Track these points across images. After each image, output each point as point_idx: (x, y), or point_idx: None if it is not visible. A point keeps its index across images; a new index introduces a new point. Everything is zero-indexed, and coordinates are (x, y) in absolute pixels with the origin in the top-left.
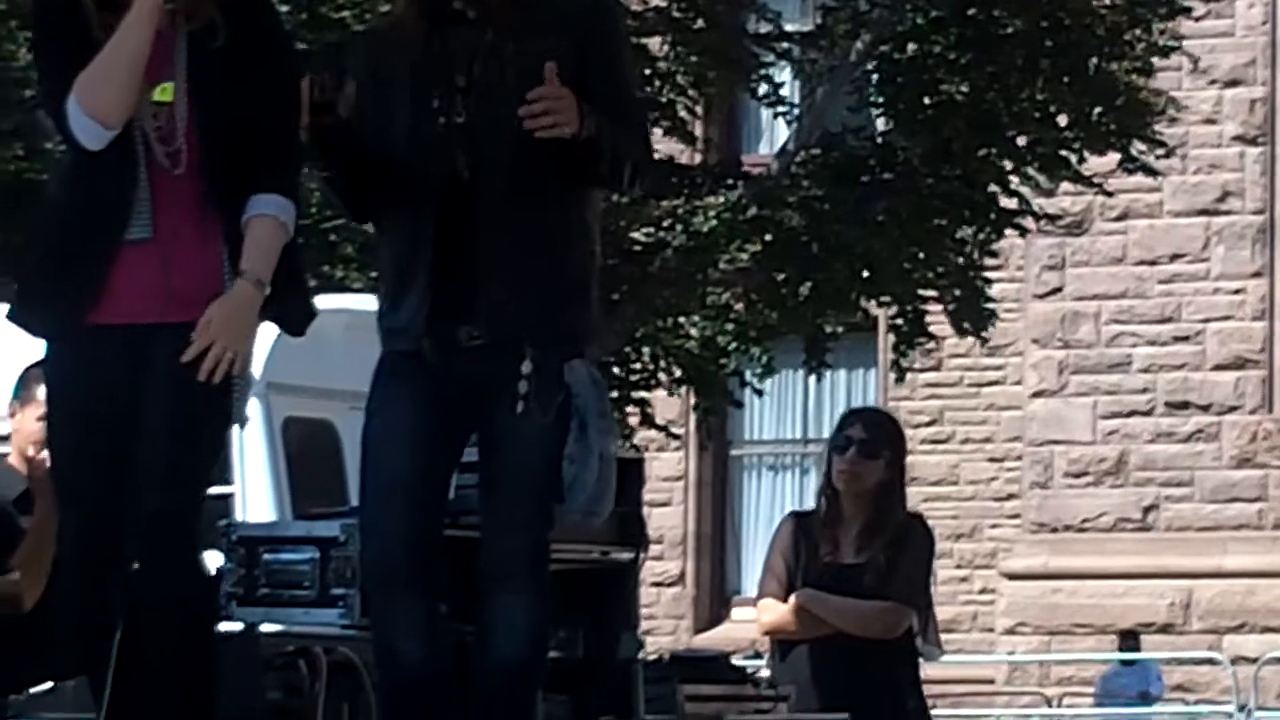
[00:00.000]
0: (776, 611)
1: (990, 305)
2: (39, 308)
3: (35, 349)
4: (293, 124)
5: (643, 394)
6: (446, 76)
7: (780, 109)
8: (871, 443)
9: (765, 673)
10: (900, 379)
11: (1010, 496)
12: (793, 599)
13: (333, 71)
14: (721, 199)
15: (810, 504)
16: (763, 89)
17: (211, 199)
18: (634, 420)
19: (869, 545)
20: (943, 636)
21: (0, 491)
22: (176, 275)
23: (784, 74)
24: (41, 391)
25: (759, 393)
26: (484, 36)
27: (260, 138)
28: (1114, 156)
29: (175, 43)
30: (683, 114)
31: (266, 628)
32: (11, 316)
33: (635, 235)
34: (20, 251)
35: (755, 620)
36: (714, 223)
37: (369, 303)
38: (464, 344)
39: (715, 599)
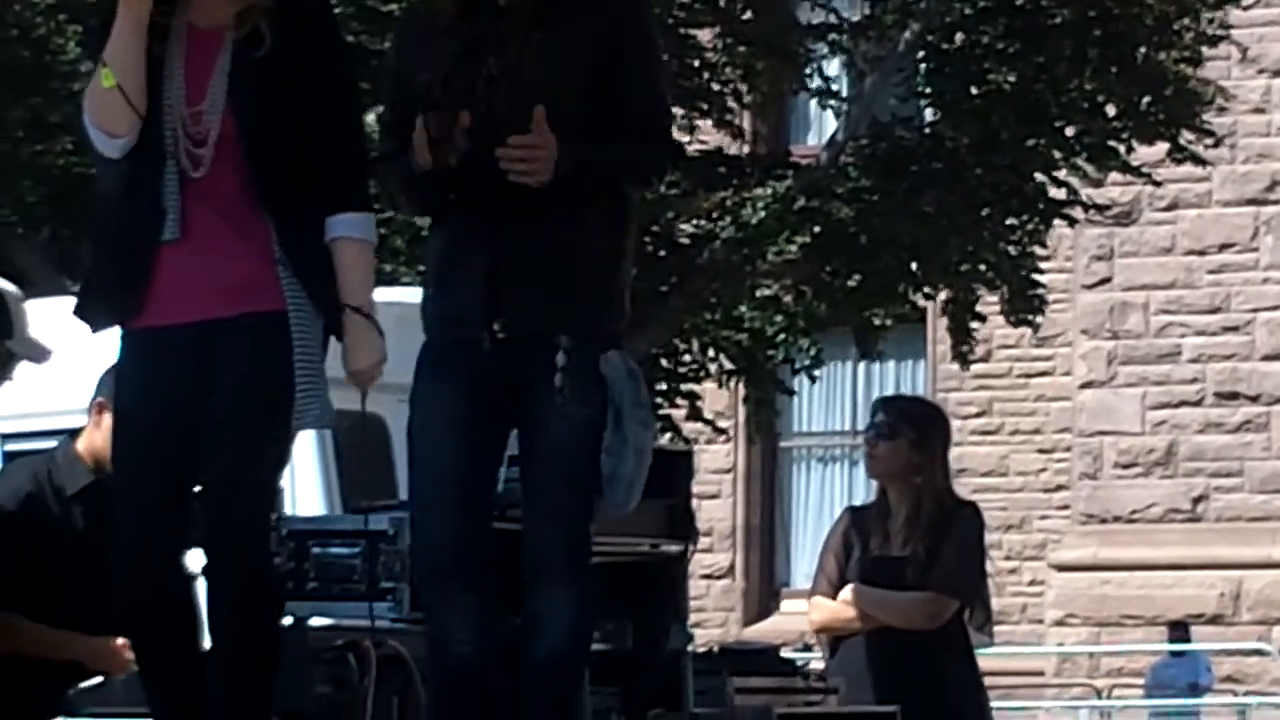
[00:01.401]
0: (825, 609)
1: (1040, 294)
2: (95, 304)
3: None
4: (353, 134)
5: (692, 386)
6: (481, 66)
7: (830, 102)
8: (890, 425)
9: (816, 665)
10: (965, 367)
11: (1059, 488)
12: (845, 593)
13: (443, 116)
14: (770, 190)
15: (861, 496)
16: (813, 83)
17: (259, 201)
18: (682, 413)
19: (912, 535)
20: (993, 628)
21: (58, 480)
22: (222, 272)
23: (833, 66)
24: None
25: (812, 378)
26: (516, 27)
27: (324, 154)
28: (1162, 146)
29: (221, 48)
30: (731, 105)
31: (316, 621)
32: (76, 312)
33: (683, 227)
34: (71, 244)
35: (806, 618)
36: (762, 214)
37: (418, 296)
38: (496, 338)
39: (765, 591)
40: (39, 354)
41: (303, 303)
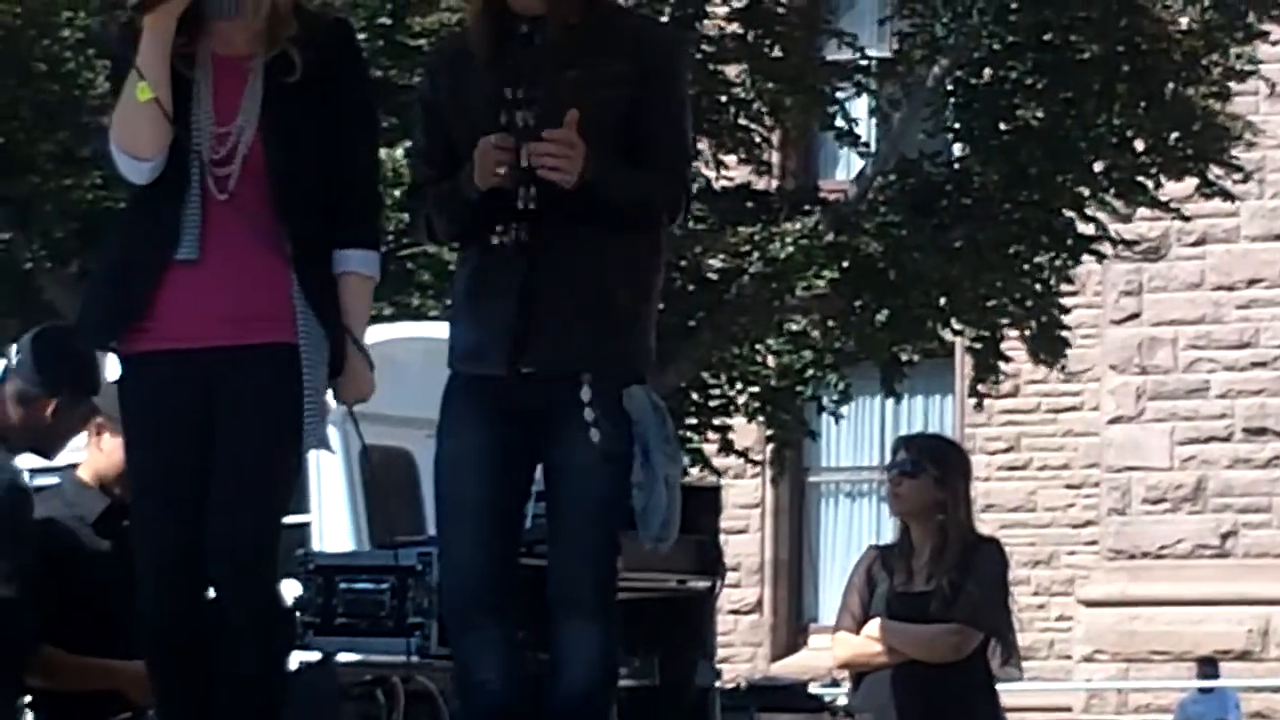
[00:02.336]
0: (849, 644)
1: (1065, 333)
2: (95, 321)
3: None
4: (371, 170)
5: (722, 420)
6: (511, 97)
7: (857, 148)
8: (914, 463)
9: (843, 700)
10: (979, 405)
11: (1088, 523)
12: (870, 627)
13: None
14: (799, 225)
15: (889, 531)
16: (838, 121)
17: (282, 228)
18: (713, 447)
19: (936, 571)
20: (1021, 664)
21: (76, 511)
22: (237, 299)
23: (859, 106)
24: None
25: (838, 417)
26: (548, 61)
27: (343, 187)
28: (1191, 181)
29: (250, 72)
30: (759, 141)
31: (344, 657)
32: (78, 328)
33: (712, 262)
34: None
35: (831, 653)
36: (791, 249)
37: (446, 330)
38: (521, 373)
39: (792, 626)
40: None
41: (314, 334)
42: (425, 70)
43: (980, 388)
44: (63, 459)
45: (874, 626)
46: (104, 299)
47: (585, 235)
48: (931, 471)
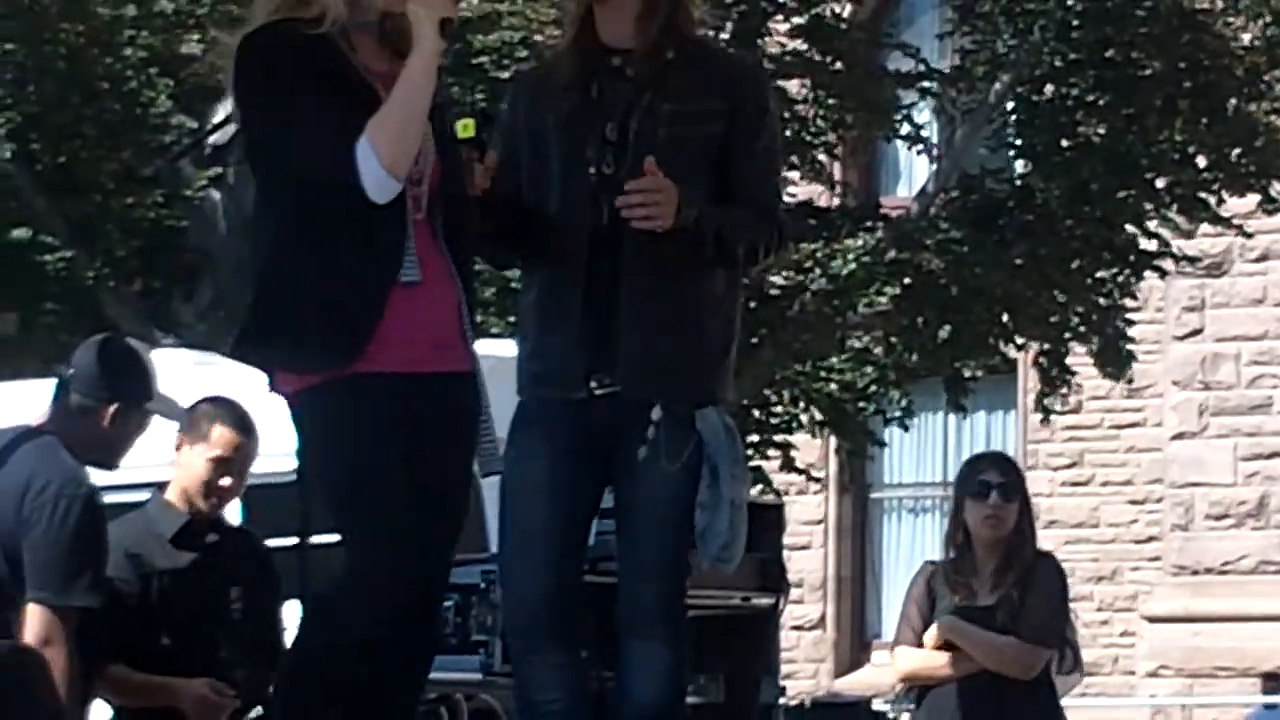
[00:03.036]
0: (913, 657)
1: (1131, 347)
2: (325, 341)
3: (210, 387)
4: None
5: (785, 437)
6: (599, 128)
7: (921, 149)
8: (1010, 486)
9: (906, 718)
10: (1045, 420)
11: (1151, 539)
12: (932, 631)
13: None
14: (860, 242)
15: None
16: (904, 129)
17: (447, 245)
18: (774, 464)
19: (1001, 585)
20: (1086, 680)
21: (156, 529)
22: (442, 324)
23: (923, 114)
24: (216, 432)
25: (905, 427)
26: (641, 95)
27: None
28: (1253, 197)
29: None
30: (821, 157)
31: None
32: (293, 354)
33: (774, 279)
34: (162, 297)
35: (891, 667)
36: (853, 266)
37: (509, 348)
38: (595, 392)
39: (856, 642)
40: (172, 410)
41: (477, 359)
42: (509, 96)
43: (1046, 402)
44: (149, 475)
45: (945, 623)
46: (329, 320)
47: (670, 262)
48: (1021, 494)
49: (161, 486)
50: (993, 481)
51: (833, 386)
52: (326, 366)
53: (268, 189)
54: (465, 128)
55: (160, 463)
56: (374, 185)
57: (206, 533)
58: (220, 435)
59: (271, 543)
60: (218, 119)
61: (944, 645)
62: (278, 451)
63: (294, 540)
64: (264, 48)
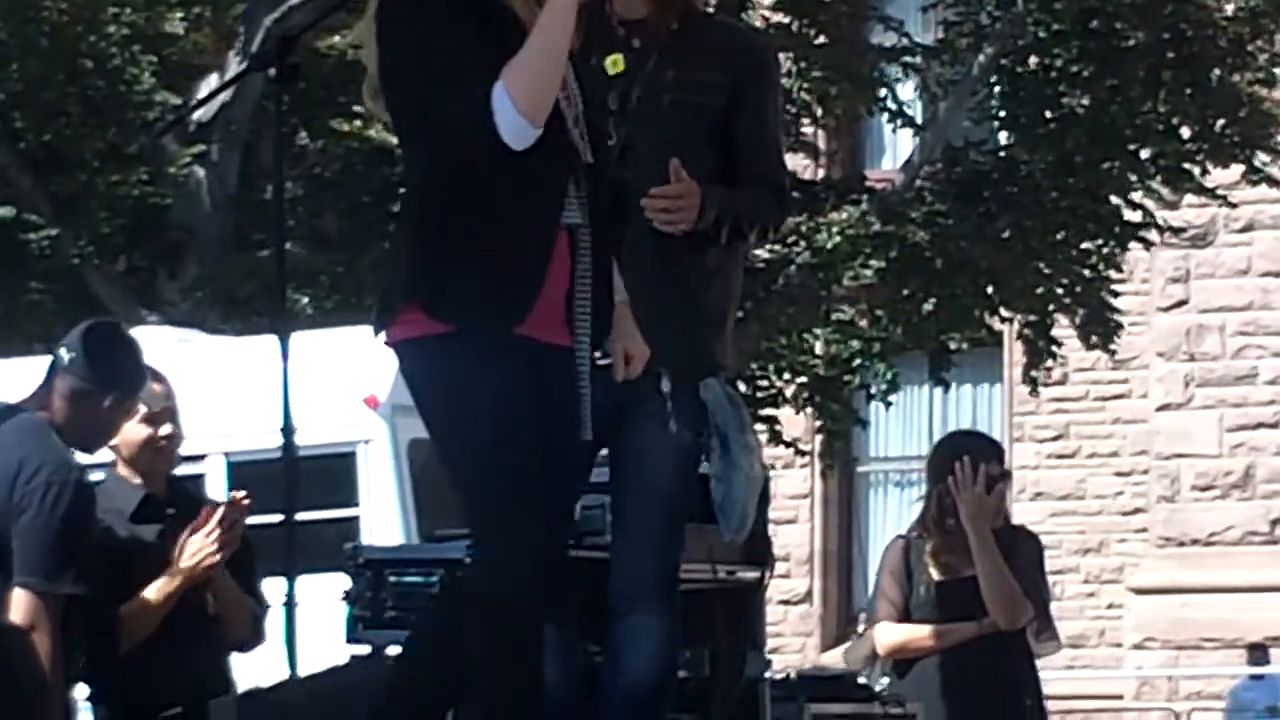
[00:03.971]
0: (897, 631)
1: (1117, 317)
2: (484, 303)
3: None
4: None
5: (770, 410)
6: (600, 97)
7: (904, 123)
8: (1007, 475)
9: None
10: (1034, 391)
11: (1137, 511)
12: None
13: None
14: (845, 215)
15: None
16: (889, 103)
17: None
18: (762, 438)
19: None
20: (1071, 652)
21: (115, 504)
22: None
23: (907, 89)
24: (146, 397)
25: (888, 403)
26: (645, 62)
27: None
28: (1237, 168)
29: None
30: (805, 130)
31: (395, 650)
32: (440, 314)
33: (759, 252)
34: (148, 274)
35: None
36: (838, 239)
37: None
38: (597, 363)
39: (842, 617)
40: (154, 401)
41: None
42: None
43: (1033, 373)
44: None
45: (930, 633)
46: (497, 274)
47: (675, 238)
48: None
49: (114, 464)
50: (996, 475)
51: (817, 360)
52: (500, 324)
53: (415, 132)
54: (615, 63)
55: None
56: (510, 131)
57: (165, 505)
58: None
59: (258, 519)
60: (201, 95)
61: (924, 619)
62: (262, 429)
63: (280, 517)
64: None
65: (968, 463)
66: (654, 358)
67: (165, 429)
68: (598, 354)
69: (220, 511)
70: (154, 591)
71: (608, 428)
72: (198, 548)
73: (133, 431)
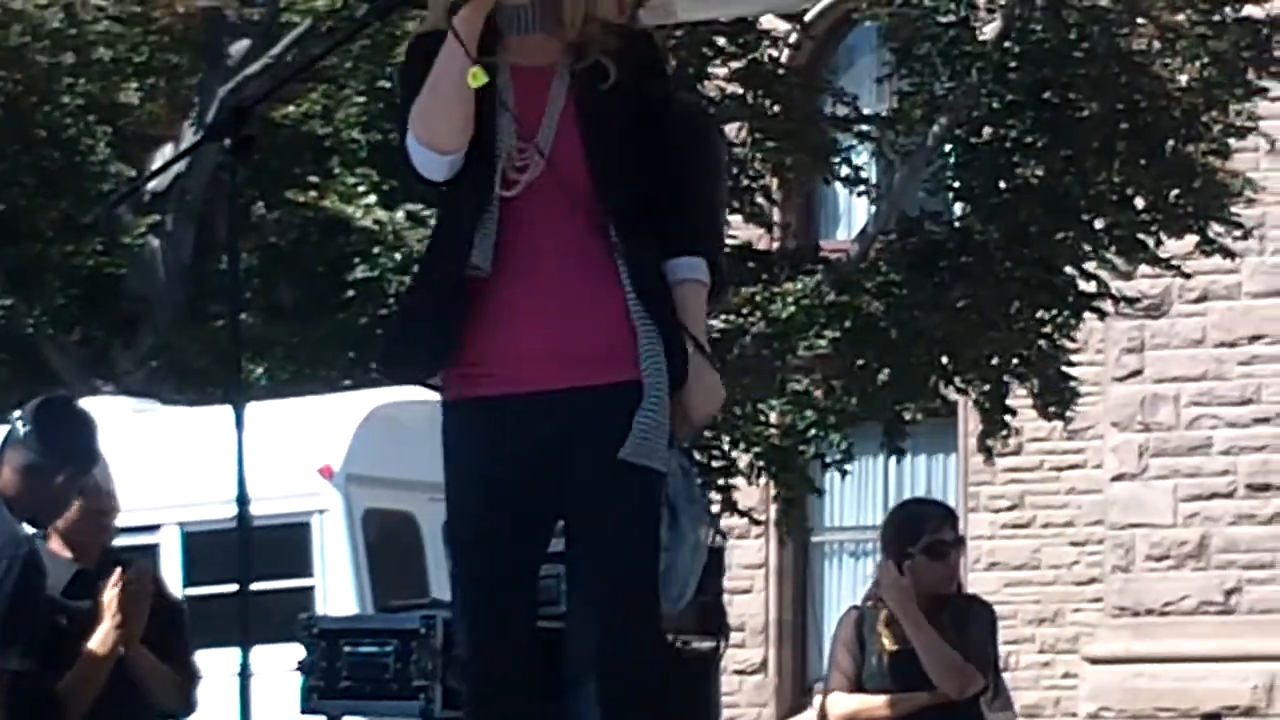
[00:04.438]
0: (849, 701)
1: (1073, 386)
2: (407, 354)
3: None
4: (700, 176)
5: (725, 480)
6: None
7: (861, 189)
8: (960, 541)
9: None
10: (989, 459)
11: (1092, 580)
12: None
13: None
14: (800, 285)
15: None
16: (843, 170)
17: (612, 242)
18: (716, 508)
19: (936, 626)
20: None
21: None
22: (576, 335)
23: (862, 156)
24: (98, 479)
25: (843, 473)
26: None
27: (672, 194)
28: (1191, 239)
29: (554, 78)
30: (760, 200)
31: None
32: (383, 370)
33: (713, 323)
34: (103, 345)
35: (828, 713)
36: (793, 309)
37: None
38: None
39: (797, 687)
40: (105, 480)
41: (658, 361)
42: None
43: (988, 442)
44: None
45: (894, 602)
46: (413, 329)
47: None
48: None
49: (46, 536)
50: (949, 540)
51: (772, 431)
52: (411, 378)
53: None
54: (474, 76)
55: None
56: (420, 163)
57: (97, 579)
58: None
59: (212, 590)
60: (156, 165)
61: (877, 689)
62: (217, 499)
63: (234, 588)
64: (406, 54)
65: (890, 565)
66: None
67: (102, 504)
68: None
69: (112, 596)
70: (79, 670)
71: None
72: (103, 634)
73: (73, 511)
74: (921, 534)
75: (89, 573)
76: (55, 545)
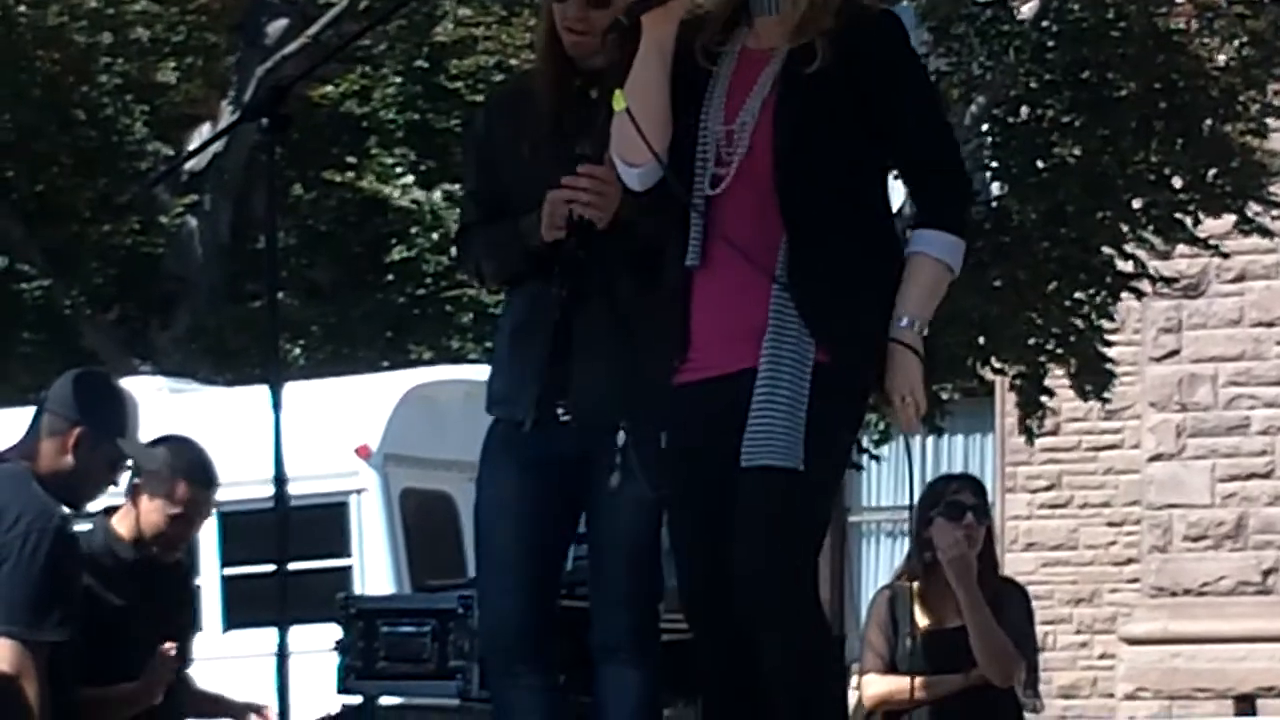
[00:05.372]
0: (883, 683)
1: (1110, 367)
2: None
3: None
4: (950, 152)
5: None
6: (570, 151)
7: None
8: (983, 508)
9: None
10: (1029, 441)
11: (1129, 561)
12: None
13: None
14: None
15: None
16: None
17: (779, 222)
18: None
19: None
20: (1063, 702)
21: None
22: (743, 313)
23: None
24: (181, 489)
25: (876, 458)
26: (603, 112)
27: (921, 166)
28: (1229, 218)
29: (769, 63)
30: None
31: (386, 700)
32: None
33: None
34: (140, 324)
35: (860, 694)
36: None
37: (486, 373)
38: (560, 420)
39: None
40: (146, 459)
41: (800, 345)
42: (483, 113)
43: (1027, 422)
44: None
45: (920, 685)
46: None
47: (629, 284)
48: (986, 521)
49: (108, 511)
50: (967, 503)
51: None
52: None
53: None
54: (618, 99)
55: None
56: (620, 173)
57: (149, 570)
58: (184, 493)
59: (250, 569)
60: (194, 145)
61: (911, 671)
62: (254, 479)
63: (272, 568)
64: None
65: (945, 524)
66: (613, 409)
67: (184, 533)
68: (560, 410)
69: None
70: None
71: (576, 482)
72: (130, 692)
73: (155, 516)
74: (941, 498)
75: (130, 564)
76: (120, 528)
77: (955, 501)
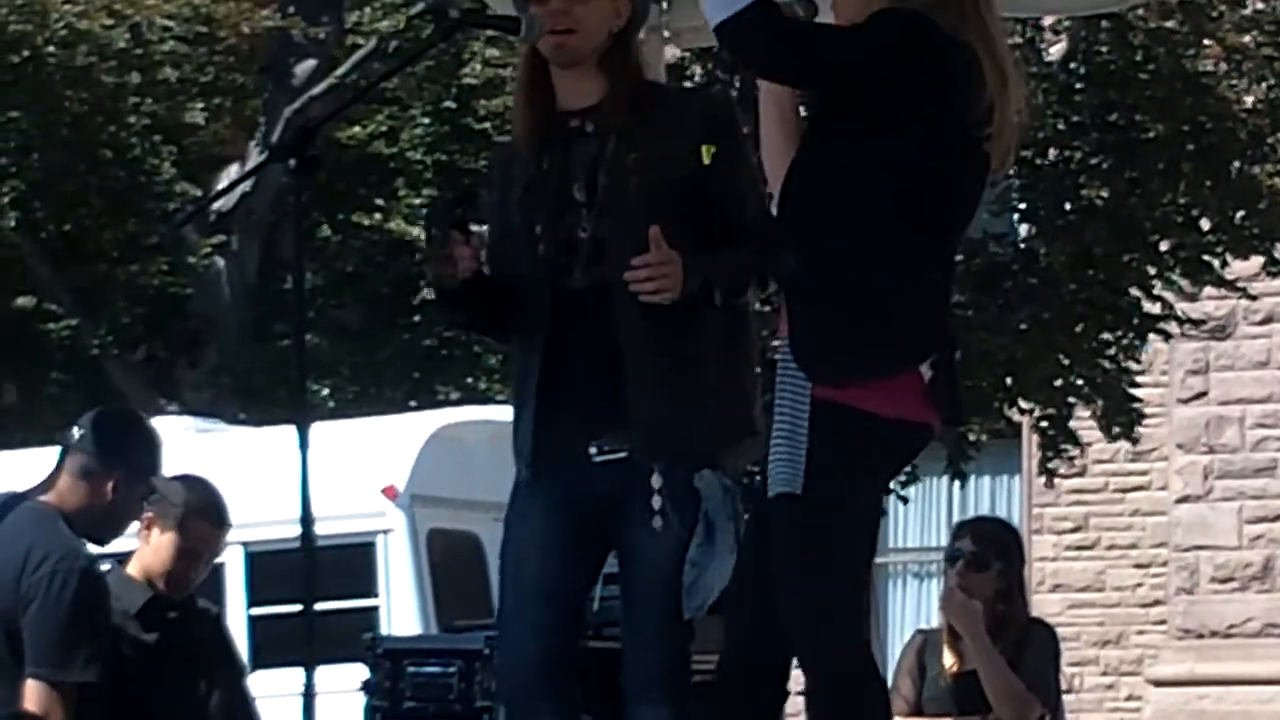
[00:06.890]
0: None
1: (1137, 407)
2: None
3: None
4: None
5: None
6: (564, 191)
7: None
8: (980, 555)
9: None
10: (1049, 484)
11: (1156, 603)
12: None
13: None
14: None
15: None
16: None
17: None
18: None
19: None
20: None
21: (120, 604)
22: None
23: None
24: (193, 526)
25: (903, 499)
26: (605, 148)
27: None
28: (1257, 260)
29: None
30: None
31: None
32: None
33: (776, 343)
34: (167, 365)
35: None
36: None
37: (511, 415)
38: (594, 459)
39: None
40: (171, 494)
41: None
42: (489, 170)
43: (1050, 465)
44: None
45: (957, 616)
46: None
47: (660, 318)
48: (995, 564)
49: (122, 559)
50: (964, 550)
51: None
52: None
53: None
54: (707, 152)
55: None
56: None
57: (168, 610)
58: (197, 530)
59: (276, 610)
60: (221, 185)
61: (937, 713)
62: (281, 519)
63: (299, 608)
64: None
65: (948, 572)
66: (648, 449)
67: (196, 571)
68: (594, 450)
69: None
70: None
71: (607, 522)
72: None
73: (166, 551)
74: (951, 544)
75: (161, 601)
76: (132, 571)
77: (955, 549)
